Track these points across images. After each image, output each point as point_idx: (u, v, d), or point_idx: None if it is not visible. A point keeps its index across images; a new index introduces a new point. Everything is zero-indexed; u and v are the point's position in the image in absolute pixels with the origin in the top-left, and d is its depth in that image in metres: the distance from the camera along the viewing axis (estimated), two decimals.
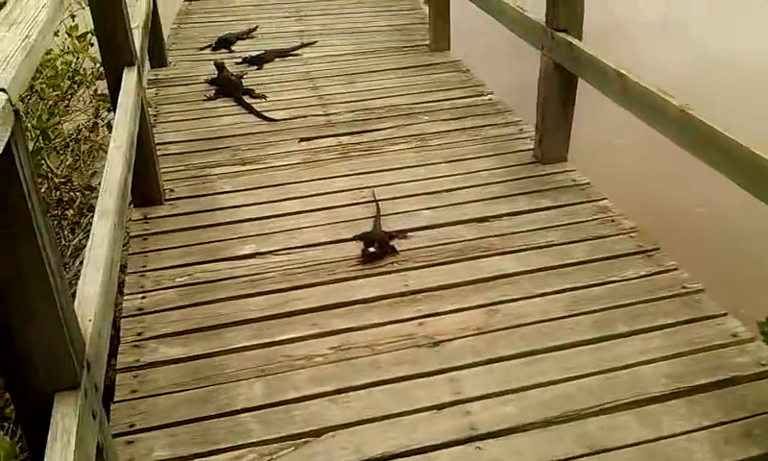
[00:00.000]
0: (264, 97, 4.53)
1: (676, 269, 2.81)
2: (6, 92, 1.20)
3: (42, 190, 3.49)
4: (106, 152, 4.40)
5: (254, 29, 5.84)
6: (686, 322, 2.53)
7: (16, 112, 1.23)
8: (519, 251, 2.96)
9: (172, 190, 3.50)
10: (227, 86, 4.61)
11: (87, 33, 4.20)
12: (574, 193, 3.38)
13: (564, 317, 2.58)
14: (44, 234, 1.28)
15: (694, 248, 3.74)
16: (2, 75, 1.25)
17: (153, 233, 3.17)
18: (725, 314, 2.56)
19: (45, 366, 1.33)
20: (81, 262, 3.20)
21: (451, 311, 2.63)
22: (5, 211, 1.21)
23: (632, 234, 3.04)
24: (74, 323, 1.41)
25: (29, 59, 1.38)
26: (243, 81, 4.71)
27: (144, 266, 2.94)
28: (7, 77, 1.25)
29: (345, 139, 3.99)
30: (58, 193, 3.55)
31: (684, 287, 2.71)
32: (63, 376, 1.36)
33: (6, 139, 1.16)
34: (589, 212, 3.22)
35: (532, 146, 3.77)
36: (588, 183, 3.45)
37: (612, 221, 3.14)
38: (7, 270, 1.24)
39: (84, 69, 4.61)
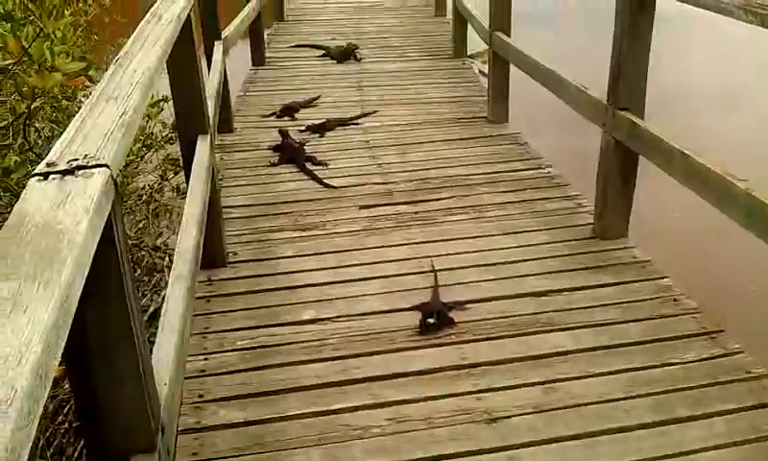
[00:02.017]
0: (326, 164, 4.64)
1: (740, 352, 2.75)
2: (108, 168, 1.29)
3: None
4: (170, 212, 4.59)
5: (317, 98, 6.01)
6: (751, 408, 2.47)
7: (116, 185, 1.32)
8: (577, 328, 2.94)
9: (235, 253, 3.59)
10: (290, 153, 4.75)
11: (161, 100, 4.39)
12: (635, 270, 3.35)
13: (621, 399, 2.54)
14: (133, 301, 1.34)
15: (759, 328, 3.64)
16: (104, 151, 1.34)
17: (216, 295, 3.25)
18: None
19: (125, 429, 1.38)
20: (146, 321, 3.31)
21: (508, 387, 2.61)
22: (101, 281, 1.27)
23: (694, 315, 2.99)
24: (153, 387, 1.46)
25: (127, 135, 1.48)
26: (305, 148, 4.84)
27: (207, 328, 3.01)
28: (109, 152, 1.34)
29: (403, 208, 4.05)
30: (129, 254, 3.67)
31: (749, 371, 2.64)
32: (141, 439, 1.41)
33: (108, 211, 1.24)
34: (650, 291, 3.18)
35: (590, 220, 3.76)
36: (648, 261, 3.41)
37: (675, 301, 3.10)
38: (99, 335, 1.30)
39: (153, 133, 4.81)
